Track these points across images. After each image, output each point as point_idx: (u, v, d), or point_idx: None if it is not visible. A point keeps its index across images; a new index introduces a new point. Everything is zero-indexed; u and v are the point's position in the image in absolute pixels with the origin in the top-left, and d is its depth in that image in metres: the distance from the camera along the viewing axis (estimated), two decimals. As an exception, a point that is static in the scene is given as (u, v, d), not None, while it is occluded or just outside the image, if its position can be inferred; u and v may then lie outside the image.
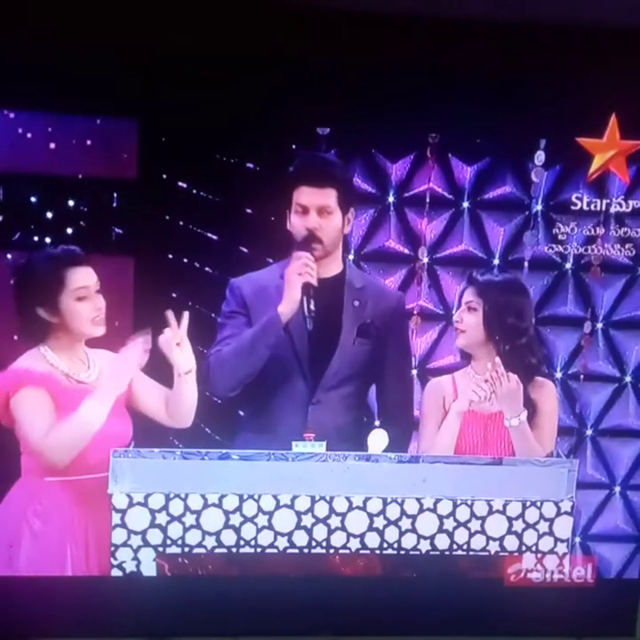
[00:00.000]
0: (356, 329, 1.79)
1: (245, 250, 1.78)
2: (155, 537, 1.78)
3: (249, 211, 1.76)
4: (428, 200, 1.81)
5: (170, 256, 1.76)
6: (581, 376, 1.90)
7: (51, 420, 1.67)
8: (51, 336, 1.70)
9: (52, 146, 1.69)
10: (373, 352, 1.80)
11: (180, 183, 1.73)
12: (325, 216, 1.72)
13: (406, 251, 1.83)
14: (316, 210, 1.71)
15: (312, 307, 1.70)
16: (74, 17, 1.62)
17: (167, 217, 1.74)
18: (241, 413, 1.82)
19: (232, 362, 1.74)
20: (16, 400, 1.67)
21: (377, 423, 1.85)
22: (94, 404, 1.68)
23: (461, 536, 1.85)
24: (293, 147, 1.74)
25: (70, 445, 1.67)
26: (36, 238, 1.71)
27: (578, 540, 1.94)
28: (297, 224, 1.73)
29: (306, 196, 1.71)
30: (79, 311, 1.68)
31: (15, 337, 1.71)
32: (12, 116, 1.68)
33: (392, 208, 1.81)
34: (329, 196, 1.72)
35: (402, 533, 1.84)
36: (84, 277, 1.67)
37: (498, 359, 1.80)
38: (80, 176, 1.71)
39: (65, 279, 1.66)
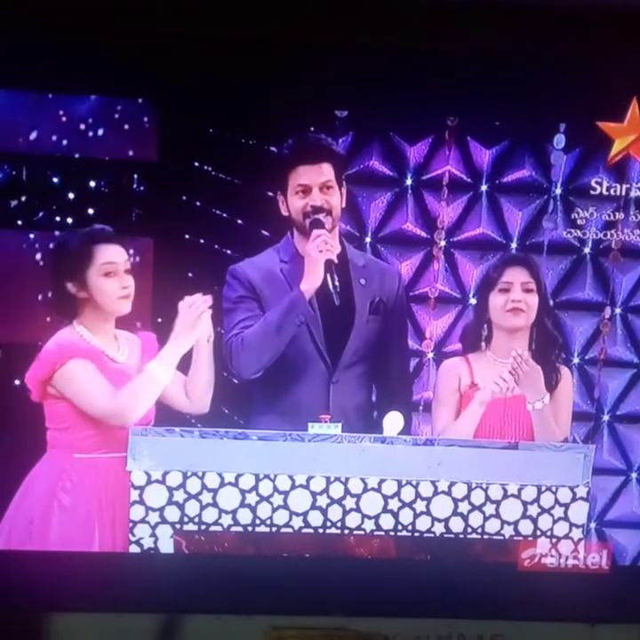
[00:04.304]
0: (368, 306, 1.80)
1: (264, 231, 1.80)
2: (172, 514, 1.80)
3: (268, 193, 1.77)
4: (445, 183, 1.81)
5: (189, 237, 1.77)
6: (600, 361, 1.89)
7: (107, 383, 1.72)
8: (81, 312, 1.73)
9: (71, 128, 1.71)
10: (383, 329, 1.82)
11: (199, 165, 1.74)
12: (327, 191, 1.74)
13: (424, 234, 1.83)
14: (318, 187, 1.73)
15: (337, 283, 1.72)
16: (93, 2, 1.64)
17: (186, 198, 1.75)
18: (259, 396, 1.83)
19: (258, 343, 1.76)
20: (64, 372, 1.71)
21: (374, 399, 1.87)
22: (158, 365, 1.73)
23: (476, 519, 1.85)
24: (311, 129, 1.75)
25: (141, 406, 1.73)
26: (57, 218, 1.73)
27: (593, 525, 1.93)
28: (299, 205, 1.74)
29: (306, 174, 1.73)
30: (106, 286, 1.71)
31: (48, 318, 1.75)
32: (32, 97, 1.70)
33: (410, 191, 1.81)
34: (328, 172, 1.74)
35: (416, 516, 1.84)
36: (111, 254, 1.71)
37: (522, 348, 1.81)
38: (101, 157, 1.73)
39: (92, 254, 1.70)
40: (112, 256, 1.71)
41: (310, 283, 1.74)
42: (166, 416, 1.79)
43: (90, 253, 1.70)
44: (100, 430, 1.75)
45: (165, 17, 1.65)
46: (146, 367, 1.73)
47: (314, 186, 1.73)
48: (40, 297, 1.76)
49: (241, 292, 1.78)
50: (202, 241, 1.78)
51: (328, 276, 1.72)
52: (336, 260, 1.73)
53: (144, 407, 1.74)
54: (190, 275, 1.78)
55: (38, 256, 1.75)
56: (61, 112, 1.71)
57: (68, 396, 1.72)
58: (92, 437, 1.75)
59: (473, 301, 1.86)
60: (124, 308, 1.73)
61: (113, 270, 1.71)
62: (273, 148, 1.75)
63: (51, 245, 1.74)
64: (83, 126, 1.72)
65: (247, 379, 1.79)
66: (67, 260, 1.71)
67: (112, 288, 1.71)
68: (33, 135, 1.71)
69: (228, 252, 1.79)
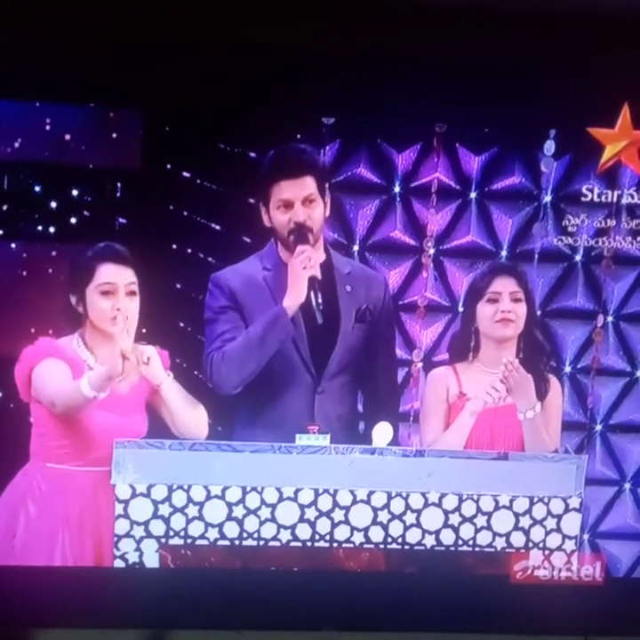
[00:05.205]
0: (354, 314, 1.78)
1: (249, 240, 1.77)
2: (157, 528, 1.77)
3: (252, 201, 1.74)
4: (434, 190, 1.78)
5: (173, 246, 1.75)
6: (592, 370, 1.87)
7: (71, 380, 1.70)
8: (82, 326, 1.73)
9: (55, 136, 1.69)
10: (369, 337, 1.80)
11: (183, 173, 1.72)
12: (309, 205, 1.72)
13: (412, 242, 1.81)
14: (300, 201, 1.71)
15: (320, 300, 1.70)
16: (80, 11, 1.62)
17: (170, 207, 1.73)
18: (244, 408, 1.80)
19: (240, 358, 1.74)
20: (38, 370, 1.70)
21: (360, 408, 1.84)
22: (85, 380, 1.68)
23: (467, 531, 1.83)
24: (298, 136, 1.72)
25: (67, 406, 1.69)
26: (40, 228, 1.71)
27: (586, 537, 1.91)
28: (282, 220, 1.72)
29: (287, 189, 1.70)
30: (100, 305, 1.70)
31: (32, 330, 1.73)
32: (15, 105, 1.68)
33: (398, 198, 1.79)
34: (310, 185, 1.71)
35: (406, 528, 1.82)
36: (111, 274, 1.70)
37: (511, 357, 1.79)
38: (83, 166, 1.70)
39: (94, 272, 1.70)
40: (112, 276, 1.70)
41: (293, 299, 1.71)
42: (158, 430, 1.76)
43: (92, 270, 1.70)
44: (73, 441, 1.73)
45: (151, 26, 1.63)
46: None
47: (296, 200, 1.71)
48: (22, 308, 1.73)
49: (223, 302, 1.76)
50: (189, 250, 1.76)
51: (311, 293, 1.70)
52: (319, 277, 1.71)
53: (69, 406, 1.69)
54: (178, 286, 1.76)
55: (20, 266, 1.72)
56: (47, 120, 1.68)
57: (40, 397, 1.70)
58: (66, 448, 1.73)
59: (462, 310, 1.83)
60: (114, 328, 1.69)
61: (110, 290, 1.70)
62: (258, 156, 1.72)
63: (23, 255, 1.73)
64: (65, 134, 1.69)
65: (227, 393, 1.76)
66: (72, 274, 1.72)
67: (105, 307, 1.70)
68: (16, 143, 1.69)
69: (214, 261, 1.76)
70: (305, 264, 1.70)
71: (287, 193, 1.71)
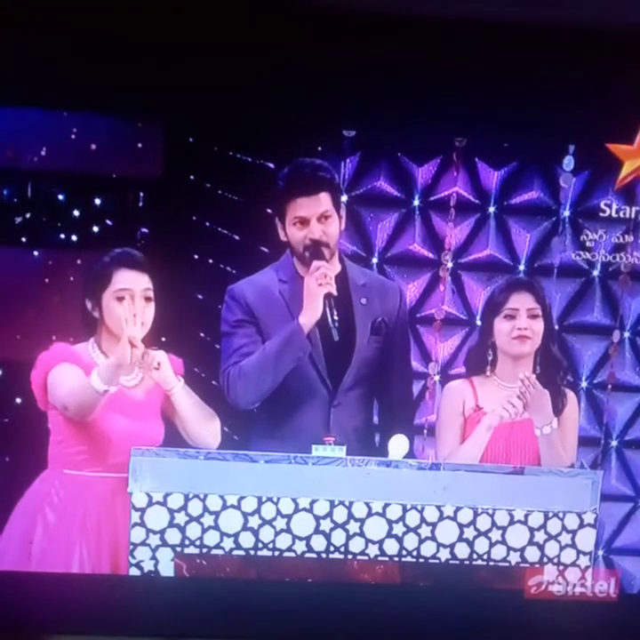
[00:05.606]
0: (370, 327, 1.79)
1: (267, 250, 1.78)
2: (173, 537, 1.77)
3: (271, 211, 1.75)
4: (453, 204, 1.80)
5: (195, 256, 1.76)
6: (609, 386, 1.87)
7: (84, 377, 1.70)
8: (97, 331, 1.75)
9: (81, 145, 1.71)
10: (385, 350, 1.80)
11: (205, 184, 1.74)
12: (324, 221, 1.72)
13: (431, 255, 1.82)
14: (316, 218, 1.71)
15: (335, 317, 1.70)
16: (103, 22, 1.64)
17: (193, 217, 1.74)
18: (260, 420, 1.81)
19: (256, 375, 1.74)
20: (53, 374, 1.71)
21: (376, 421, 1.84)
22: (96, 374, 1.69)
23: (482, 545, 1.82)
24: (319, 149, 1.74)
25: (81, 404, 1.69)
26: (62, 236, 1.73)
27: (601, 553, 1.90)
28: (298, 236, 1.73)
29: (303, 207, 1.71)
30: (116, 311, 1.71)
31: (54, 337, 1.74)
32: (41, 114, 1.70)
33: (417, 212, 1.80)
34: (325, 201, 1.72)
35: (421, 541, 1.81)
36: (128, 279, 1.71)
37: (528, 372, 1.79)
38: (107, 175, 1.72)
39: (111, 277, 1.71)
40: (128, 282, 1.71)
41: (309, 317, 1.72)
42: (174, 438, 1.77)
43: (109, 276, 1.71)
44: (91, 447, 1.74)
45: (176, 38, 1.65)
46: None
47: (312, 217, 1.71)
48: (43, 315, 1.75)
49: (239, 316, 1.76)
50: (210, 260, 1.77)
51: (327, 310, 1.70)
52: (335, 293, 1.71)
53: (82, 405, 1.70)
54: (199, 297, 1.78)
55: (42, 273, 1.74)
56: (74, 129, 1.71)
57: (55, 401, 1.71)
58: (84, 453, 1.74)
59: (480, 324, 1.84)
60: (131, 333, 1.69)
61: (126, 296, 1.70)
62: (279, 168, 1.73)
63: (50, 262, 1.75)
64: (91, 144, 1.71)
65: (244, 409, 1.77)
66: (88, 279, 1.73)
67: (121, 313, 1.70)
68: (42, 152, 1.71)
69: (234, 271, 1.78)
70: (321, 281, 1.70)
71: (303, 210, 1.71)
